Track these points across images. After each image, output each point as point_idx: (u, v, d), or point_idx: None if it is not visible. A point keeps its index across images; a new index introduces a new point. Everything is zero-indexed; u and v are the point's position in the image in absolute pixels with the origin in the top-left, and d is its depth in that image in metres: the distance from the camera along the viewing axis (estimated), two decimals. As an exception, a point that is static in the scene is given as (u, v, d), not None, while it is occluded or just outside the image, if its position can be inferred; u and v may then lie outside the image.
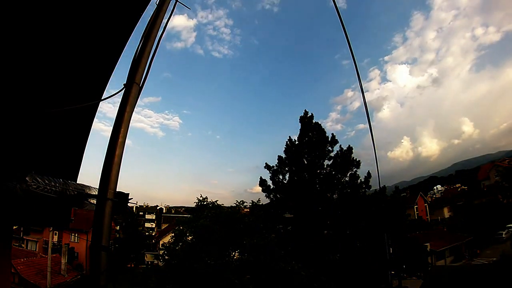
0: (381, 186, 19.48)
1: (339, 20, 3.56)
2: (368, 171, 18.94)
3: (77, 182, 3.36)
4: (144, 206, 75.04)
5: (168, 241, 23.15)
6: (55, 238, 35.93)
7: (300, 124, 19.94)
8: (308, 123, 19.66)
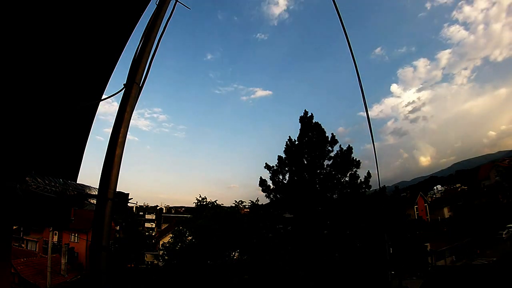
0: (381, 186, 19.46)
1: (339, 21, 3.56)
2: (368, 171, 18.89)
3: (77, 182, 3.36)
4: (144, 206, 74.93)
5: (168, 241, 23.18)
6: (55, 238, 35.90)
7: (300, 124, 19.94)
8: (308, 123, 19.64)
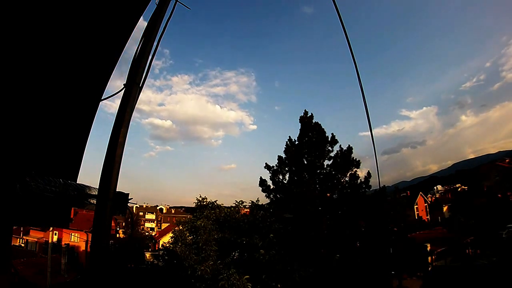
0: (381, 186, 19.45)
1: (340, 21, 3.56)
2: (368, 171, 18.90)
3: (77, 182, 3.36)
4: (144, 206, 75.00)
5: (168, 241, 23.18)
6: (55, 238, 35.91)
7: (300, 124, 19.94)
8: (308, 123, 19.64)
